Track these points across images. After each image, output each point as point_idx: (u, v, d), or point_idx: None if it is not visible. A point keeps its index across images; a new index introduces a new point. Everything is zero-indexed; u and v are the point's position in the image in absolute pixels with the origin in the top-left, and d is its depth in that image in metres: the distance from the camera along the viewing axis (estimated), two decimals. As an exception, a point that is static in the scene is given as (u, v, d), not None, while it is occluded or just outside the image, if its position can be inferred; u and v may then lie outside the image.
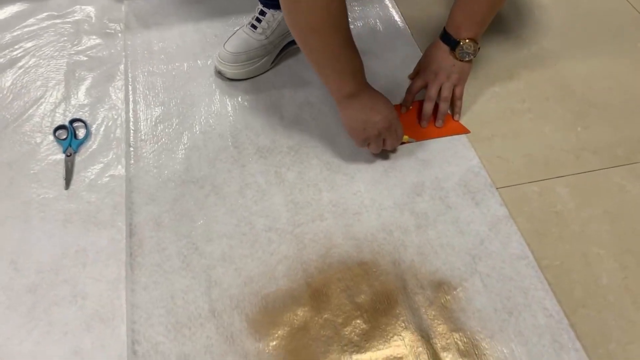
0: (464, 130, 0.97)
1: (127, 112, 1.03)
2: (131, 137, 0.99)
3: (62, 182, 0.93)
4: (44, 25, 1.22)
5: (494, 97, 1.04)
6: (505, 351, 0.73)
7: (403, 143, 0.94)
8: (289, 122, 1.00)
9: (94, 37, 1.18)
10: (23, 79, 1.09)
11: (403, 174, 0.93)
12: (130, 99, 1.05)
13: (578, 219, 0.87)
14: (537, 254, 0.82)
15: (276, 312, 0.77)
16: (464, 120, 1.00)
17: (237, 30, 1.08)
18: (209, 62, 1.12)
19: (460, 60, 0.95)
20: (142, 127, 1.00)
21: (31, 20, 1.22)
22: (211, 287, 0.80)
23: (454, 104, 0.98)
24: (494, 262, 0.82)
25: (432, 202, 0.89)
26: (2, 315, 0.78)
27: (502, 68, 1.09)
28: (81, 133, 1.00)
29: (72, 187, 0.92)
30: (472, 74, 1.02)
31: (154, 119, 1.02)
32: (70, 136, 0.98)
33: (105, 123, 1.02)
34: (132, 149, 0.97)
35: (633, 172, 0.92)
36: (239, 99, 1.04)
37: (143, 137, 0.99)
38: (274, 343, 0.75)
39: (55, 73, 1.10)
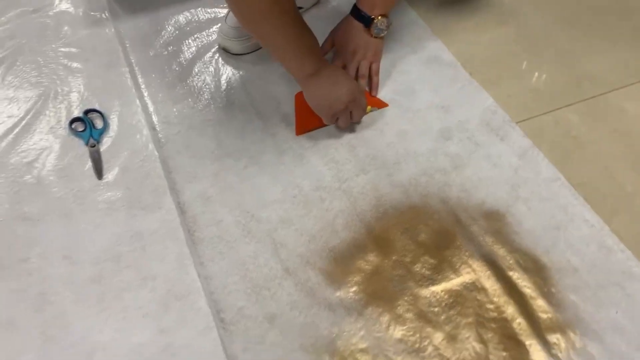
0: (383, 105, 0.99)
1: (141, 97, 1.01)
2: (154, 120, 0.97)
3: (93, 173, 0.90)
4: (19, 21, 1.16)
5: (491, 44, 1.11)
6: (562, 262, 0.80)
7: (366, 113, 0.97)
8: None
9: (80, 28, 1.14)
10: (17, 77, 1.04)
11: (428, 122, 0.97)
12: (141, 83, 1.03)
13: (592, 140, 0.95)
14: (566, 174, 0.90)
15: (346, 262, 0.80)
16: (474, 66, 1.06)
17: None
18: (210, 38, 1.11)
19: (374, 37, 0.97)
20: (160, 109, 0.99)
21: (2, 19, 1.16)
22: (278, 249, 0.82)
23: (371, 80, 1.00)
24: (531, 187, 0.88)
25: (461, 144, 0.94)
26: (72, 310, 0.76)
27: (491, 16, 1.15)
28: (98, 123, 0.97)
29: (105, 176, 0.90)
30: (465, 25, 1.07)
31: (170, 101, 1.00)
32: (88, 127, 0.95)
33: (120, 110, 0.99)
34: (158, 131, 0.95)
35: (628, 94, 1.02)
36: (250, 72, 1.05)
37: (164, 120, 0.98)
38: (353, 289, 0.78)
39: (50, 67, 1.06)
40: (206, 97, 1.01)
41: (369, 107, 0.95)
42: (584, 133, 0.96)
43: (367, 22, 0.95)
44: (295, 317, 0.75)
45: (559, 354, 0.72)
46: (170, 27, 1.14)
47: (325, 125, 0.95)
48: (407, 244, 0.82)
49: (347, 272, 0.79)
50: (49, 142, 0.95)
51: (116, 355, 0.72)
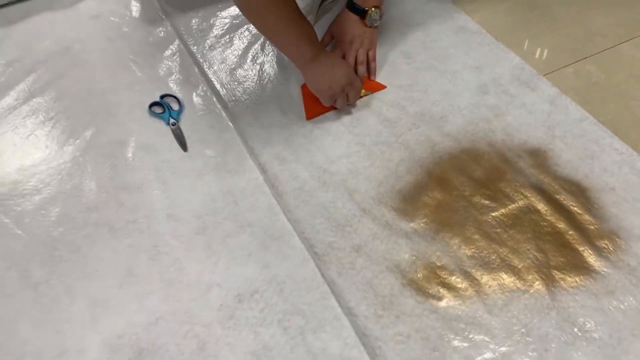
0: (381, 87, 1.09)
1: (209, 82, 1.13)
2: (225, 100, 1.09)
3: (178, 147, 1.02)
4: (86, 27, 1.28)
5: (509, 11, 1.24)
6: (600, 184, 0.92)
7: (361, 97, 1.07)
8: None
9: (141, 28, 1.26)
10: (89, 73, 1.16)
11: (465, 80, 1.10)
12: (206, 70, 1.15)
13: (611, 85, 1.08)
14: (593, 114, 1.03)
15: (414, 200, 0.93)
16: (498, 32, 1.19)
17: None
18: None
19: (369, 27, 1.07)
20: (228, 90, 1.11)
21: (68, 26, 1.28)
22: (352, 194, 0.94)
23: (369, 66, 1.09)
24: (564, 127, 1.01)
25: (498, 96, 1.07)
26: (184, 257, 0.88)
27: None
28: (174, 106, 1.09)
29: (190, 148, 1.02)
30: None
31: (234, 82, 1.13)
32: (167, 109, 1.07)
33: (191, 93, 1.11)
34: (230, 108, 1.08)
35: (636, 45, 1.15)
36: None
37: (233, 98, 1.10)
38: (424, 220, 0.90)
39: (122, 63, 1.18)
40: (265, 76, 1.13)
41: (363, 91, 1.05)
42: (603, 80, 1.09)
43: (361, 13, 1.06)
44: (378, 246, 0.87)
45: (609, 256, 0.84)
46: (220, 21, 1.26)
47: (329, 110, 1.05)
48: (465, 181, 0.94)
49: (416, 207, 0.92)
50: (134, 124, 1.06)
51: (230, 289, 0.83)
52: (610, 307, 0.79)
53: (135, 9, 1.30)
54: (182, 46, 1.21)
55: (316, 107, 1.05)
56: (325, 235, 0.89)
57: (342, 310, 0.81)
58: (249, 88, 1.12)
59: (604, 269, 0.82)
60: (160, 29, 1.26)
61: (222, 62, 1.17)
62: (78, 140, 1.04)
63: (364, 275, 0.84)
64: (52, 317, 0.82)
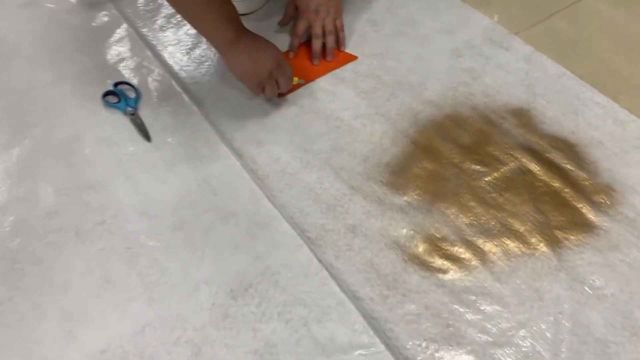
0: (352, 58, 1.03)
1: (164, 64, 1.04)
2: (185, 82, 1.01)
3: (140, 138, 0.93)
4: (18, 16, 1.15)
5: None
6: (587, 138, 0.91)
7: (294, 86, 0.97)
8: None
9: (82, 13, 1.15)
10: (28, 66, 1.05)
11: (438, 45, 1.06)
12: (160, 52, 1.06)
13: (582, 40, 1.07)
14: (570, 69, 1.01)
15: (404, 172, 0.88)
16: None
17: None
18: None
19: None
20: (186, 72, 1.03)
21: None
22: (338, 172, 0.88)
23: (337, 36, 1.03)
24: (544, 84, 0.99)
25: (473, 58, 1.03)
26: (164, 256, 0.80)
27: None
28: (130, 93, 0.99)
29: (154, 138, 0.93)
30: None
31: (193, 64, 1.04)
32: (122, 98, 0.98)
33: (147, 79, 1.02)
34: (192, 91, 0.99)
35: (601, -2, 1.14)
36: (257, 30, 1.07)
37: (194, 80, 1.01)
38: (417, 192, 0.85)
39: (63, 52, 1.07)
40: (226, 55, 1.05)
41: (296, 79, 0.95)
42: (574, 35, 1.08)
43: None
44: (373, 224, 0.82)
45: (608, 210, 0.82)
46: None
47: (298, 88, 0.98)
48: (452, 148, 0.90)
49: (407, 179, 0.87)
50: (87, 117, 0.96)
51: (221, 285, 0.76)
52: (617, 262, 0.77)
53: (70, -7, 1.18)
54: (130, 29, 1.11)
55: None
56: (316, 218, 0.83)
57: (346, 294, 0.75)
58: (210, 68, 1.04)
59: (605, 224, 0.80)
60: (104, 12, 1.15)
61: (177, 43, 1.08)
62: (26, 140, 0.93)
63: (363, 256, 0.78)
64: (20, 338, 0.72)
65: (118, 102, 0.98)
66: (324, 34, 1.02)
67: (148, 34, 1.10)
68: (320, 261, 0.78)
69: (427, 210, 0.83)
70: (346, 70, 1.02)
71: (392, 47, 1.06)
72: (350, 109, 0.96)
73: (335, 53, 1.03)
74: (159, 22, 1.12)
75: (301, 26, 1.03)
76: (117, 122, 0.96)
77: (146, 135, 0.93)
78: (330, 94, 0.99)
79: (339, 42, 1.04)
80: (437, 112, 0.95)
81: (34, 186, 0.88)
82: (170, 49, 1.07)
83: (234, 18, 0.86)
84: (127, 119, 0.96)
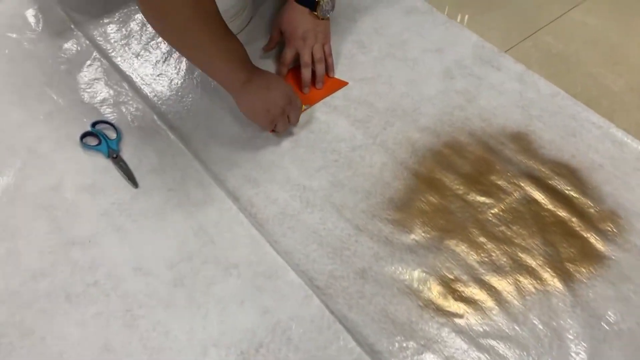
0: (343, 84, 0.99)
1: (145, 98, 0.98)
2: (170, 118, 0.95)
3: (127, 183, 0.87)
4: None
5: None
6: (587, 162, 0.90)
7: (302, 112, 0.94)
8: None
9: (47, 41, 1.07)
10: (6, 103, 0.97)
11: (428, 66, 1.03)
12: (138, 84, 0.99)
13: (571, 54, 1.06)
14: (563, 88, 1.00)
15: (408, 207, 0.85)
16: (448, 10, 1.12)
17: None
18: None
19: (321, 19, 0.96)
20: (170, 107, 0.97)
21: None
22: (341, 211, 0.85)
23: (326, 62, 0.99)
24: (538, 104, 0.97)
25: (465, 79, 1.01)
26: (166, 317, 0.75)
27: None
28: (110, 133, 0.93)
29: (141, 183, 0.88)
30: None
31: (175, 96, 0.98)
32: (103, 139, 0.91)
33: (127, 115, 0.96)
34: (177, 128, 0.94)
35: (584, 10, 1.14)
36: None
37: (179, 116, 0.96)
38: (424, 229, 0.83)
39: (27, 88, 0.99)
40: (209, 84, 1.00)
41: (303, 106, 0.94)
42: (562, 50, 1.07)
43: (311, 5, 0.95)
44: (383, 267, 0.79)
45: (616, 239, 0.82)
46: (142, 24, 1.09)
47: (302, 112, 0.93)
48: (455, 179, 0.88)
49: (412, 215, 0.84)
50: (65, 163, 0.89)
51: (230, 347, 0.72)
52: (630, 294, 0.76)
53: (34, 20, 1.10)
54: (103, 60, 1.03)
55: None
56: (323, 264, 0.79)
57: (363, 348, 0.72)
58: (194, 100, 0.98)
59: (614, 254, 0.80)
60: (72, 41, 1.07)
61: (156, 74, 1.01)
62: (-2, 193, 0.86)
63: (376, 304, 0.76)
64: None
65: (98, 144, 0.91)
66: (312, 62, 0.97)
67: (122, 64, 1.03)
68: (332, 312, 0.75)
69: (436, 249, 0.81)
70: (337, 98, 0.99)
71: (382, 71, 1.02)
72: (347, 140, 0.93)
73: (325, 80, 0.99)
74: (132, 50, 1.05)
75: (289, 54, 0.98)
76: (99, 167, 0.89)
77: (132, 180, 0.87)
78: (324, 124, 0.95)
79: (328, 69, 1.00)
80: (435, 139, 0.93)
81: (13, 246, 0.81)
82: (148, 80, 1.00)
83: (244, 57, 0.82)
84: (109, 162, 0.90)
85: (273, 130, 0.91)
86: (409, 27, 1.10)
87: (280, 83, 0.87)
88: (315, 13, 0.96)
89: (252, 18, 1.10)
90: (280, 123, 0.88)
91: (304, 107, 0.95)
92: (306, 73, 0.97)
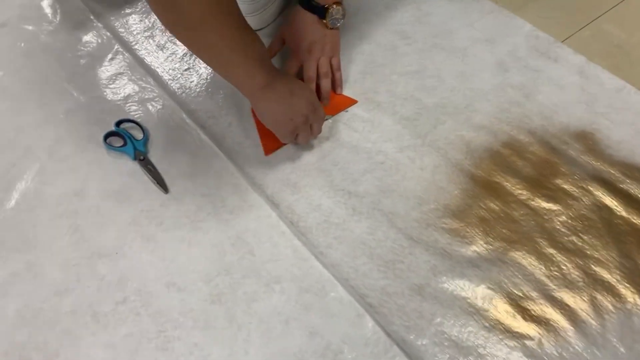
0: (352, 102, 0.89)
1: (173, 95, 0.90)
2: (201, 118, 0.87)
3: (156, 188, 0.80)
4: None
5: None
6: (662, 163, 0.81)
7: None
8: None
9: (65, 34, 0.99)
10: (9, 102, 0.90)
11: (479, 57, 0.95)
12: (165, 79, 0.92)
13: (635, 44, 0.97)
14: (629, 81, 0.91)
15: (466, 215, 0.77)
16: None
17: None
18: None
19: (330, 28, 0.86)
20: (201, 105, 0.89)
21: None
22: (391, 219, 0.77)
23: (334, 77, 0.88)
24: (603, 100, 0.88)
25: (520, 73, 0.92)
26: (203, 339, 0.67)
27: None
28: (136, 133, 0.85)
29: (171, 188, 0.80)
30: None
31: (206, 94, 0.91)
32: (129, 140, 0.84)
33: (154, 114, 0.88)
34: (209, 127, 0.86)
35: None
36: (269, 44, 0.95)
37: (211, 115, 0.88)
38: (486, 239, 0.75)
39: (45, 84, 0.92)
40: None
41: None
42: (625, 40, 0.98)
43: (320, 12, 0.84)
44: (443, 282, 0.71)
45: (700, 249, 0.73)
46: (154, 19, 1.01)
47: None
48: (516, 182, 0.80)
49: (471, 224, 0.76)
50: (88, 166, 0.82)
51: (276, 373, 0.64)
52: None
53: (50, 10, 1.02)
54: (126, 53, 0.96)
55: (277, 137, 0.81)
56: (374, 278, 0.71)
57: (425, 376, 0.64)
58: (226, 97, 0.90)
59: (701, 267, 0.71)
60: (92, 33, 1.00)
61: (183, 68, 0.93)
62: (13, 202, 0.79)
63: (437, 325, 0.68)
64: None
65: (124, 145, 0.84)
66: (318, 76, 0.87)
67: (147, 57, 0.95)
68: (388, 334, 0.67)
69: (501, 262, 0.72)
70: (380, 94, 0.90)
71: (429, 63, 0.94)
72: (393, 140, 0.85)
73: (331, 97, 0.88)
74: (157, 41, 0.97)
75: (293, 67, 0.87)
76: (126, 170, 0.82)
77: (162, 185, 0.80)
78: (368, 122, 0.87)
79: (335, 84, 0.89)
80: (492, 139, 0.84)
81: (34, 258, 0.74)
82: (175, 74, 0.93)
83: (264, 59, 0.72)
84: (136, 165, 0.82)
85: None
86: (454, 15, 1.01)
87: (305, 89, 0.78)
88: (325, 21, 0.85)
89: (285, 9, 1.01)
90: (302, 134, 0.78)
91: (326, 116, 0.85)
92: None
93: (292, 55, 0.88)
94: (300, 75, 0.87)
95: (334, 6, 0.84)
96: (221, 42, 0.67)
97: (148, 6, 1.01)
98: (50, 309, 0.70)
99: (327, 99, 0.88)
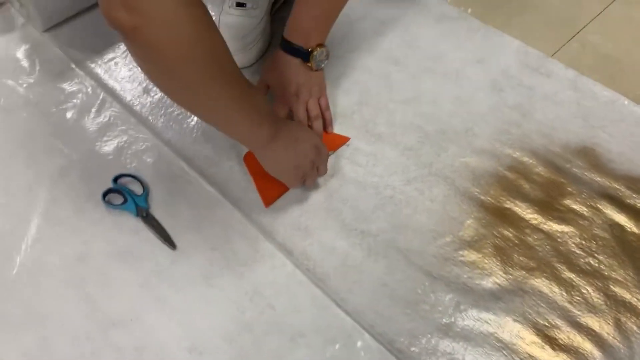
0: (344, 140, 0.87)
1: (168, 142, 0.87)
2: (199, 165, 0.85)
3: (163, 245, 0.77)
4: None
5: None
6: (664, 174, 0.82)
7: None
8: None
9: (47, 86, 0.95)
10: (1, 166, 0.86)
11: (473, 79, 0.95)
12: (157, 127, 0.89)
13: (623, 54, 0.98)
14: (622, 92, 0.92)
15: (482, 245, 0.77)
16: (481, 13, 1.03)
17: (219, 16, 0.94)
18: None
19: (315, 70, 0.85)
20: (195, 151, 0.86)
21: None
22: (408, 256, 0.76)
23: (323, 116, 0.87)
24: (598, 113, 0.90)
25: (515, 92, 0.93)
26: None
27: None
28: (135, 188, 0.83)
29: (178, 244, 0.78)
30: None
31: (201, 137, 0.88)
32: (129, 196, 0.81)
33: (150, 165, 0.85)
34: (209, 175, 0.84)
35: (625, 2, 1.06)
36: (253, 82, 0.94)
37: (208, 159, 0.86)
38: (505, 269, 0.75)
39: (32, 141, 0.88)
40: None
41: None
42: (612, 49, 0.99)
43: (304, 56, 0.83)
44: (468, 319, 0.71)
45: None
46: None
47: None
48: (525, 206, 0.80)
49: (489, 254, 0.76)
50: (89, 227, 0.79)
51: None
52: None
53: (28, 62, 0.98)
54: (114, 102, 0.92)
55: (275, 187, 0.80)
56: (400, 322, 0.71)
57: (464, 420, 0.63)
58: (224, 140, 0.87)
59: None
60: (75, 82, 0.96)
61: (176, 113, 0.91)
62: (14, 272, 0.75)
63: (470, 364, 0.67)
64: None
65: (124, 202, 0.80)
66: (308, 118, 0.86)
67: (135, 104, 0.92)
68: (422, 380, 0.66)
69: (522, 292, 0.72)
70: (380, 124, 0.90)
71: (424, 88, 0.94)
72: (399, 173, 0.84)
73: (323, 137, 0.87)
74: (145, 85, 0.94)
75: (281, 112, 0.85)
76: (129, 229, 0.79)
77: (169, 241, 0.77)
78: (371, 156, 0.86)
79: (325, 124, 0.88)
80: (496, 163, 0.84)
81: (43, 333, 0.70)
82: (166, 120, 0.90)
83: (266, 110, 0.69)
84: (139, 222, 0.79)
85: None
86: (442, 36, 1.01)
87: (307, 132, 0.77)
88: (309, 64, 0.83)
89: (270, 45, 0.99)
90: (310, 178, 0.78)
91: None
92: None
93: (279, 100, 0.86)
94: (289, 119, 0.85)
95: (318, 49, 0.82)
96: (222, 102, 0.63)
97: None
98: (68, 388, 0.66)
99: (321, 139, 0.86)
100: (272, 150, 0.72)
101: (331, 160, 0.85)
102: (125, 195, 0.81)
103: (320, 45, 0.83)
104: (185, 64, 0.56)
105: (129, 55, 0.97)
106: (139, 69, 0.58)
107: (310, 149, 0.75)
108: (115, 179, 0.83)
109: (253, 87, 0.68)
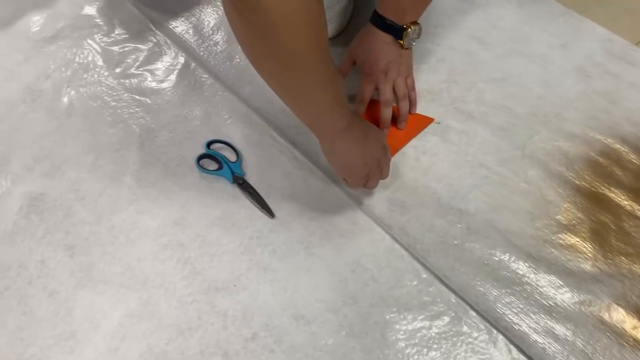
0: (429, 121, 0.86)
1: (256, 110, 0.86)
2: (289, 132, 0.84)
3: (261, 213, 0.77)
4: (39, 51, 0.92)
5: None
6: None
7: None
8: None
9: (125, 46, 0.93)
10: (81, 123, 0.84)
11: (558, 64, 0.94)
12: (244, 92, 0.87)
13: None
14: None
15: (579, 229, 0.77)
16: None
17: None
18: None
19: (406, 48, 0.82)
20: (286, 117, 0.85)
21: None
22: (508, 237, 0.76)
23: (409, 97, 0.85)
24: (688, 105, 0.89)
25: (602, 79, 0.92)
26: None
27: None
28: (229, 155, 0.82)
29: (277, 213, 0.77)
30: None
31: (279, 105, 0.86)
32: (224, 162, 0.80)
33: (240, 131, 0.84)
34: (299, 144, 0.83)
35: None
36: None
37: (300, 130, 0.84)
38: (603, 253, 0.75)
39: (117, 102, 0.87)
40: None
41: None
42: (695, 40, 0.99)
43: (398, 33, 0.80)
44: (572, 302, 0.71)
45: None
46: (212, 20, 0.96)
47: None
48: (620, 193, 0.80)
49: (586, 238, 0.76)
50: (185, 191, 0.78)
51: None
52: None
53: (106, 23, 0.96)
54: (197, 67, 0.91)
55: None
56: (503, 301, 0.71)
57: (574, 399, 0.64)
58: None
59: None
60: (154, 42, 0.94)
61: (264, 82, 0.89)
62: (110, 231, 0.74)
63: (574, 345, 0.68)
64: None
65: (219, 168, 0.80)
66: (397, 99, 0.84)
67: (220, 68, 0.91)
68: (530, 358, 0.67)
69: (622, 276, 0.73)
70: (469, 103, 0.89)
71: (510, 69, 0.93)
72: (492, 153, 0.83)
73: (408, 119, 0.86)
74: (228, 52, 0.92)
75: (368, 90, 0.83)
76: (226, 195, 0.78)
77: (267, 210, 0.77)
78: (464, 134, 0.85)
79: (410, 104, 0.85)
80: (588, 148, 0.84)
81: (147, 295, 0.70)
82: (253, 89, 0.88)
83: (345, 99, 0.66)
84: (236, 189, 0.78)
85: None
86: (526, 19, 1.00)
87: (376, 130, 0.73)
88: (401, 42, 0.81)
89: (352, 18, 0.97)
90: (373, 178, 0.74)
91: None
92: (387, 113, 0.83)
93: (366, 77, 0.83)
94: (375, 98, 0.84)
95: (412, 26, 0.80)
96: (310, 78, 0.59)
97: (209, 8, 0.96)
98: (176, 350, 0.66)
99: (406, 121, 0.85)
100: (344, 141, 0.68)
101: (420, 137, 0.84)
102: (221, 161, 0.80)
103: (415, 23, 0.81)
104: (288, 29, 0.53)
105: (208, 18, 0.95)
106: (232, 29, 0.55)
107: (379, 148, 0.72)
108: (209, 144, 0.81)
109: (338, 72, 0.64)
